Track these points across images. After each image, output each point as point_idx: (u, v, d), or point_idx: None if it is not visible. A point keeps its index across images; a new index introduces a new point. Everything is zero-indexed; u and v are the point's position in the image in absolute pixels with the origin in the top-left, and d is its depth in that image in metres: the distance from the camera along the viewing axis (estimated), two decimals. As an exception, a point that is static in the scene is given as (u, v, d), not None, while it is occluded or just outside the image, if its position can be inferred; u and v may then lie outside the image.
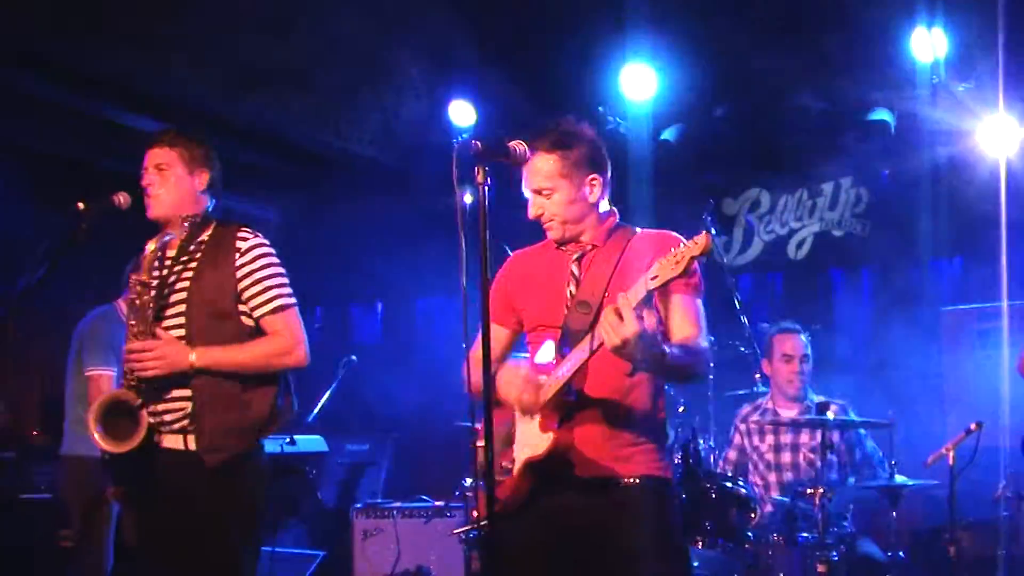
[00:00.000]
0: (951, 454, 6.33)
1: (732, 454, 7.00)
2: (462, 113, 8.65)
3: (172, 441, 4.36)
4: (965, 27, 7.78)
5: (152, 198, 4.53)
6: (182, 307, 4.42)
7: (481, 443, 4.13)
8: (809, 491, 6.23)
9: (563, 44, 8.48)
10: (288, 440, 7.62)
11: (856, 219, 9.09)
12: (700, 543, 5.96)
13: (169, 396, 4.36)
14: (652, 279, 3.46)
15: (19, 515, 7.22)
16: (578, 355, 3.80)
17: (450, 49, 8.19)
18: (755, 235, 9.51)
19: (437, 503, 7.97)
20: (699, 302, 4.02)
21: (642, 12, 7.90)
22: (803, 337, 6.86)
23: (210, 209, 4.64)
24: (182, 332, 4.39)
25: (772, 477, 6.77)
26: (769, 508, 6.63)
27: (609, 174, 4.16)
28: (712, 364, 4.10)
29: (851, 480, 6.62)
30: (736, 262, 9.40)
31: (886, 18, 7.85)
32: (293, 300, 4.51)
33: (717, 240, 7.48)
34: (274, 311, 4.45)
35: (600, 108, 8.74)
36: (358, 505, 8.22)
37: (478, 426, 3.75)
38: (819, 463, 6.16)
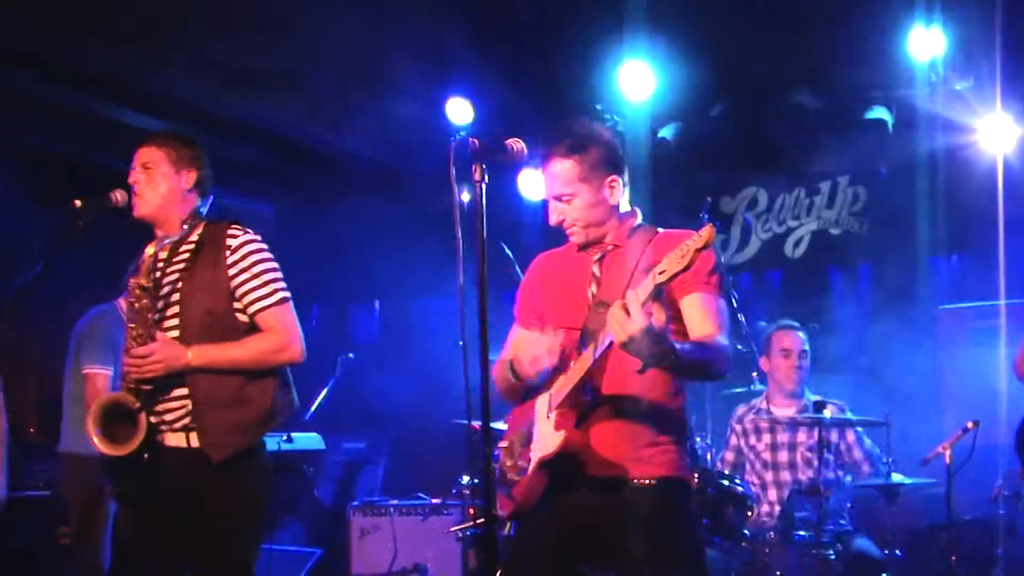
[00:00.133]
0: (948, 452, 6.34)
1: (729, 455, 7.01)
2: (459, 111, 8.64)
3: (175, 439, 4.37)
4: (963, 25, 7.78)
5: (138, 196, 4.54)
6: (176, 308, 4.42)
7: (504, 443, 4.15)
8: (806, 490, 6.25)
9: (561, 42, 8.47)
10: (285, 438, 7.62)
11: (854, 217, 9.09)
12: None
13: (168, 395, 4.36)
14: (660, 273, 3.43)
15: (16, 513, 7.21)
16: (590, 353, 3.79)
17: (447, 47, 8.17)
18: (753, 233, 9.51)
19: (434, 501, 7.98)
20: (720, 301, 3.98)
21: (640, 10, 7.88)
22: (801, 334, 6.90)
23: (201, 209, 4.64)
24: (177, 332, 4.39)
25: (769, 476, 6.78)
26: (766, 507, 6.64)
27: (627, 174, 4.14)
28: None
29: (848, 479, 6.64)
30: (733, 260, 9.40)
31: (884, 16, 7.84)
32: (287, 295, 4.50)
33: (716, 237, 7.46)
34: (268, 307, 4.44)
35: (598, 106, 8.73)
36: (355, 503, 8.23)
37: (496, 425, 3.75)
38: (816, 462, 6.18)
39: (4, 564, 7.17)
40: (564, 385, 3.92)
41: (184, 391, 4.36)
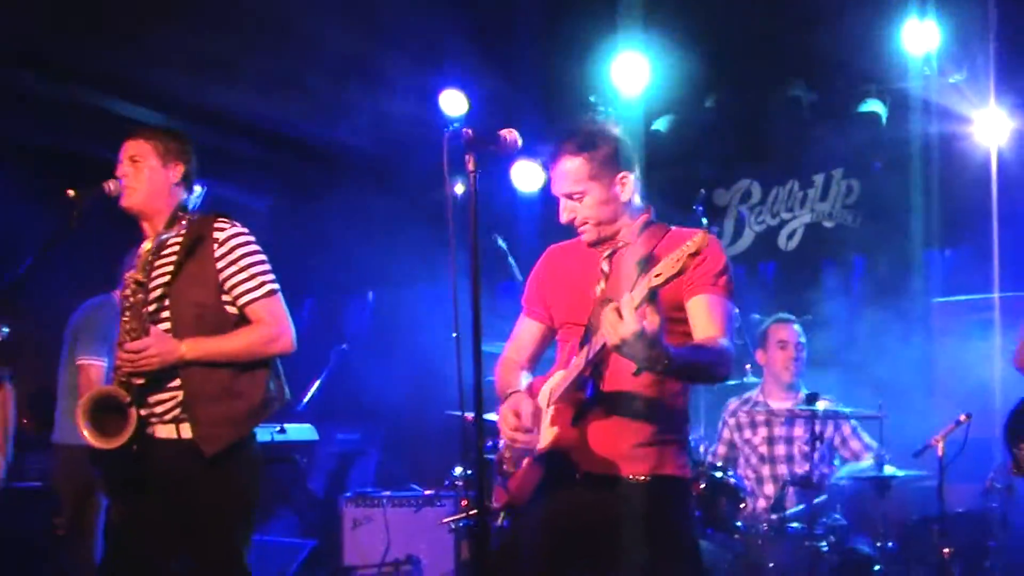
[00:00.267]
0: (941, 445, 6.34)
1: (722, 449, 7.02)
2: (453, 103, 8.63)
3: (165, 431, 4.38)
4: (957, 18, 7.78)
5: (126, 189, 4.54)
6: (167, 302, 4.43)
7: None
8: (799, 482, 6.25)
9: (555, 34, 8.46)
10: (278, 429, 7.62)
11: (847, 210, 9.09)
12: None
13: (160, 388, 4.37)
14: (656, 276, 3.35)
15: (9, 504, 7.21)
16: (585, 354, 3.77)
17: (441, 40, 8.16)
18: (746, 226, 9.51)
19: (427, 492, 7.97)
20: (727, 303, 3.94)
21: (634, 2, 7.89)
22: (797, 326, 6.93)
23: (188, 202, 4.65)
24: (168, 326, 4.40)
25: (765, 470, 6.78)
26: (762, 502, 6.64)
27: (638, 170, 4.10)
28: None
29: (842, 471, 6.64)
30: (727, 253, 9.38)
31: (878, 9, 7.85)
32: (276, 286, 4.51)
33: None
34: (257, 299, 4.46)
35: (591, 98, 8.72)
36: (348, 494, 8.22)
37: (489, 417, 3.74)
38: (814, 453, 6.18)
39: (2, 555, 7.17)
40: (562, 381, 3.92)
41: (176, 383, 4.36)
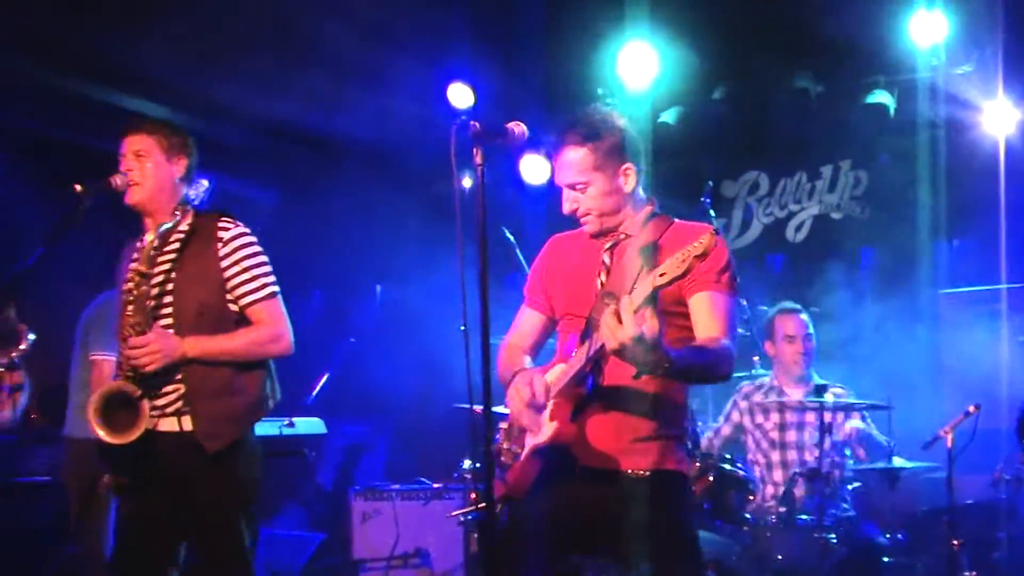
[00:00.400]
0: (950, 436, 6.33)
1: (726, 429, 6.96)
2: (460, 96, 8.63)
3: (167, 424, 4.41)
4: (965, 9, 7.77)
5: (132, 184, 4.54)
6: (170, 298, 4.45)
7: (504, 424, 4.14)
8: (808, 473, 6.24)
9: (562, 26, 8.46)
10: (287, 422, 7.62)
11: (855, 202, 9.09)
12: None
13: (162, 383, 4.39)
14: (660, 275, 3.32)
15: (18, 498, 7.22)
16: (585, 350, 3.75)
17: (447, 32, 8.16)
18: (754, 218, 9.51)
19: (436, 485, 7.97)
20: (730, 300, 3.89)
21: (642, -7, 7.90)
22: (804, 316, 6.85)
23: (189, 197, 4.67)
24: (170, 321, 4.43)
25: (776, 456, 6.75)
26: (771, 489, 6.62)
27: (643, 161, 4.06)
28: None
29: (851, 463, 6.62)
30: (735, 244, 9.40)
31: (886, 1, 7.84)
32: (276, 289, 4.56)
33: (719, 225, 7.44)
34: (259, 300, 4.50)
35: (599, 90, 8.72)
36: (357, 487, 8.21)
37: (498, 409, 3.73)
38: (824, 445, 6.16)
39: (4, 549, 7.17)
40: (562, 375, 3.90)
41: (178, 377, 4.40)
